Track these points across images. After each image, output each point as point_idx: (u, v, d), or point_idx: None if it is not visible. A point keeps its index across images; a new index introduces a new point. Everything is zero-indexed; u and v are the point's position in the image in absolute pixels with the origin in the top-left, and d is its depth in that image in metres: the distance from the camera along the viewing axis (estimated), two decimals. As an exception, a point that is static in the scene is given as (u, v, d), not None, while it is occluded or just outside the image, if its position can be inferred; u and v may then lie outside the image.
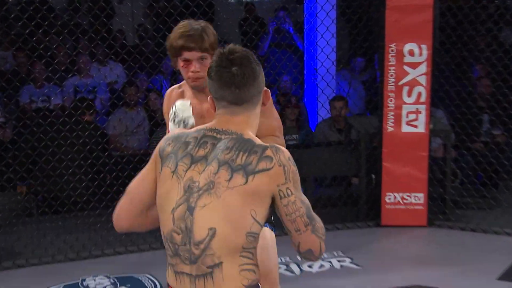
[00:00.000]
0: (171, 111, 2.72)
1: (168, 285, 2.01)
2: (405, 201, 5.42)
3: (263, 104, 2.04)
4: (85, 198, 5.24)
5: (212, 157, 1.91)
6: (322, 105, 5.83)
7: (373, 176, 5.61)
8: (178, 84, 2.96)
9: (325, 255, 4.83)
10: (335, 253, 4.89)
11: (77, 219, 5.28)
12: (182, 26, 2.75)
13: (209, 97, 2.03)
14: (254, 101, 1.99)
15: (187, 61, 2.73)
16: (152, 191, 2.00)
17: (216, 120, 1.99)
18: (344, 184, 5.84)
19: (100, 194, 5.23)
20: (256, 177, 1.87)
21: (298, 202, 1.92)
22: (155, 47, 5.75)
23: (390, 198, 5.42)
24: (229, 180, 1.87)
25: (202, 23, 2.76)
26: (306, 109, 6.90)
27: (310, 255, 1.98)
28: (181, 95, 2.90)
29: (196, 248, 1.89)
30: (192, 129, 2.02)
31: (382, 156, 5.39)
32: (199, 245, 1.89)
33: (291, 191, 1.90)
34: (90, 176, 5.34)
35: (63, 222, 5.30)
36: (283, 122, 6.03)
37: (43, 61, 5.55)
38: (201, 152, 1.94)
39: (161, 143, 2.01)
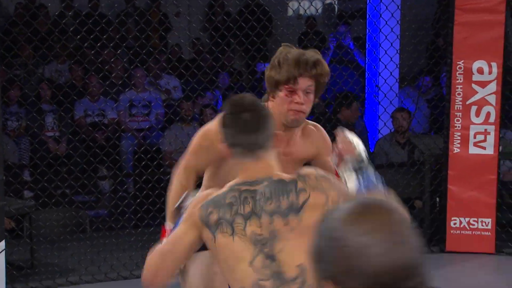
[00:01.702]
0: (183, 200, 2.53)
1: None
2: (471, 226, 5.30)
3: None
4: (139, 215, 5.24)
5: (259, 210, 2.07)
6: (385, 123, 5.73)
7: (438, 199, 5.50)
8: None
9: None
10: (397, 280, 4.79)
11: (131, 237, 5.28)
12: (297, 52, 2.59)
13: (222, 144, 2.15)
14: (268, 145, 2.13)
15: (292, 92, 2.57)
16: (187, 252, 2.12)
17: (241, 171, 2.13)
18: (406, 207, 5.70)
19: (154, 211, 5.22)
20: (304, 210, 2.07)
21: None
22: (212, 61, 5.74)
23: (455, 223, 5.31)
24: (287, 224, 2.06)
25: (316, 53, 2.64)
26: (366, 128, 6.79)
27: None
28: None
29: (294, 284, 2.03)
30: (224, 189, 2.12)
31: (447, 178, 5.28)
32: (296, 279, 2.03)
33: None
34: (144, 192, 5.33)
35: (117, 240, 5.30)
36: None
37: (100, 75, 5.61)
38: (248, 208, 2.08)
39: (199, 210, 2.09)
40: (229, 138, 2.13)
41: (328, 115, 6.09)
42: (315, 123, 2.82)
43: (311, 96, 2.60)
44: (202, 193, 2.17)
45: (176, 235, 2.14)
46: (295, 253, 2.03)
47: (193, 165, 2.73)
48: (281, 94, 2.59)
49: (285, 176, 2.11)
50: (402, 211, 1.23)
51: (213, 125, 2.70)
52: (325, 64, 2.62)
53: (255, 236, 2.06)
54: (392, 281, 1.16)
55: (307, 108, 2.60)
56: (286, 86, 2.57)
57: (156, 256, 2.16)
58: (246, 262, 2.05)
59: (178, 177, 2.76)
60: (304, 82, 2.56)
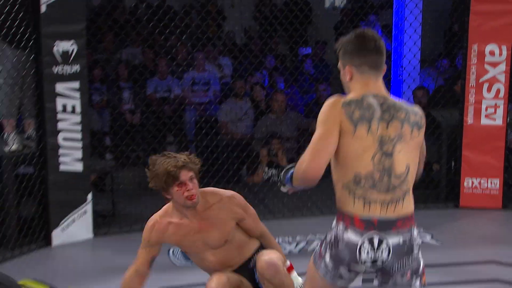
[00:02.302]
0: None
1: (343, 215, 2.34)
2: (482, 186, 5.43)
3: None
4: (200, 174, 5.48)
5: (389, 116, 2.34)
6: (408, 99, 5.91)
7: (453, 163, 5.61)
8: (158, 214, 2.97)
9: (408, 231, 4.92)
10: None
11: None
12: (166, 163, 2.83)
13: (347, 66, 2.36)
14: (382, 68, 2.40)
15: (181, 185, 2.83)
16: (335, 146, 2.31)
17: (361, 86, 2.35)
18: (426, 170, 5.83)
19: (213, 171, 5.42)
20: (421, 131, 2.40)
21: None
22: (261, 46, 5.96)
23: (468, 183, 5.45)
24: (411, 133, 2.36)
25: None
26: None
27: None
28: (166, 227, 2.93)
29: (396, 179, 2.33)
30: (357, 96, 2.34)
31: (462, 145, 5.42)
32: (400, 177, 2.34)
33: None
34: (204, 155, 5.58)
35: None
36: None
37: (168, 57, 5.84)
38: (380, 113, 2.34)
39: (342, 109, 2.32)
40: (355, 60, 2.35)
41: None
42: (220, 196, 2.98)
43: (195, 181, 2.89)
44: (332, 100, 2.35)
45: (323, 135, 2.30)
46: (408, 155, 2.34)
47: (146, 257, 2.95)
48: (175, 189, 2.85)
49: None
50: None
51: (158, 216, 2.99)
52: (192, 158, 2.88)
53: (381, 137, 2.31)
54: None
55: (196, 190, 2.88)
56: (176, 183, 2.83)
57: (312, 155, 2.29)
58: (370, 155, 2.31)
59: (134, 265, 2.96)
60: (185, 174, 2.84)
